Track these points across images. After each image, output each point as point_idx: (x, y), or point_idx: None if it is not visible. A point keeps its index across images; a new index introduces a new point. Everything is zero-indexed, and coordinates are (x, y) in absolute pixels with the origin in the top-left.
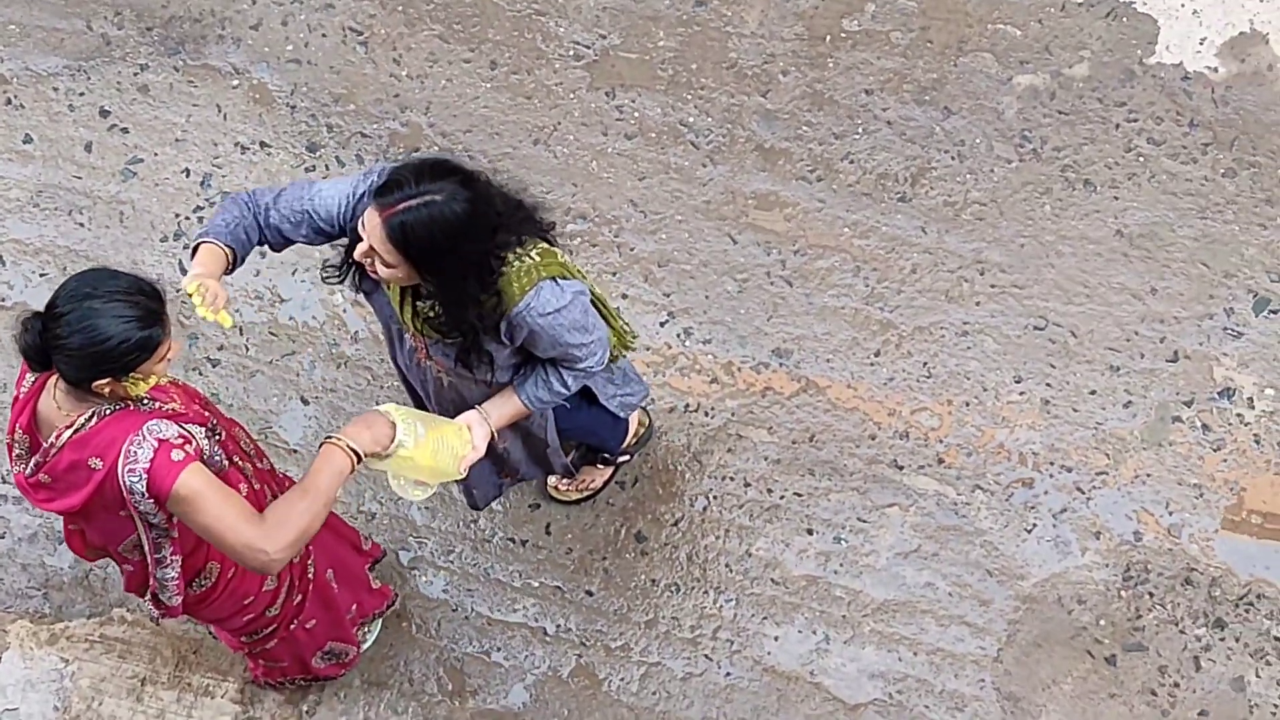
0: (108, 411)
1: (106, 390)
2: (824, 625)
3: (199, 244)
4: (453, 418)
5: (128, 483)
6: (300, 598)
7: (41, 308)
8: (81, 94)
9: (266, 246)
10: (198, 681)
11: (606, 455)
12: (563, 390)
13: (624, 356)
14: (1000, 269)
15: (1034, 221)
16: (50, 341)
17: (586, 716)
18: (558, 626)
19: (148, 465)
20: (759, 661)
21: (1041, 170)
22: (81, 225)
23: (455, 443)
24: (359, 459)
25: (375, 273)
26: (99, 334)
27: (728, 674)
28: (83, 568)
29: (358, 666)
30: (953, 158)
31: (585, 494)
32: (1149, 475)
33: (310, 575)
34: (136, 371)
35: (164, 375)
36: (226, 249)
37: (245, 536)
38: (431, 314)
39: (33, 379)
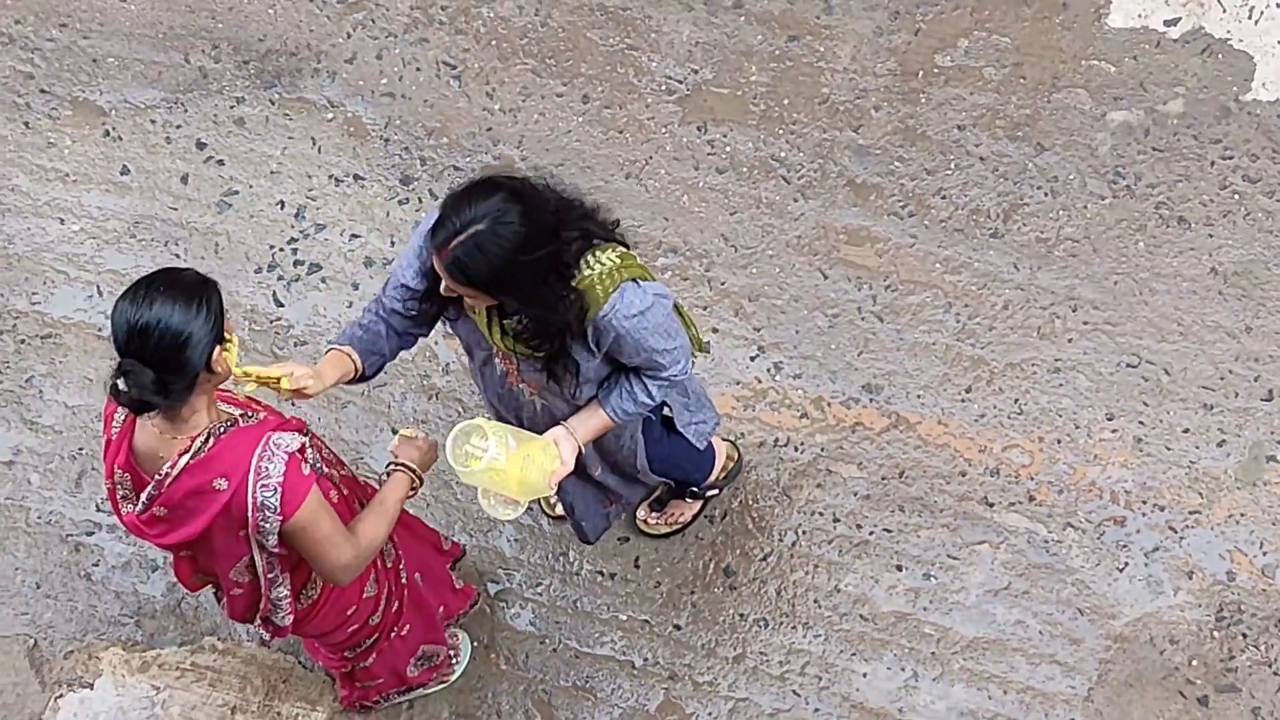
0: (222, 431)
1: (212, 382)
2: (913, 662)
3: (328, 351)
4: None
5: (260, 498)
6: (397, 604)
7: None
8: (178, 126)
9: (409, 338)
10: (287, 711)
11: (695, 489)
12: (647, 400)
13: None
14: (1093, 306)
15: (1127, 259)
16: (149, 374)
17: None
18: (645, 660)
19: (281, 480)
20: (847, 698)
21: (1135, 207)
22: (178, 256)
23: (542, 459)
24: (420, 480)
25: (463, 302)
26: (173, 324)
27: (816, 710)
28: (175, 596)
29: (447, 699)
30: (1045, 194)
31: (674, 528)
32: (1243, 515)
33: (403, 581)
34: (225, 332)
35: (234, 359)
36: (350, 354)
37: (344, 558)
38: (519, 328)
39: (122, 417)
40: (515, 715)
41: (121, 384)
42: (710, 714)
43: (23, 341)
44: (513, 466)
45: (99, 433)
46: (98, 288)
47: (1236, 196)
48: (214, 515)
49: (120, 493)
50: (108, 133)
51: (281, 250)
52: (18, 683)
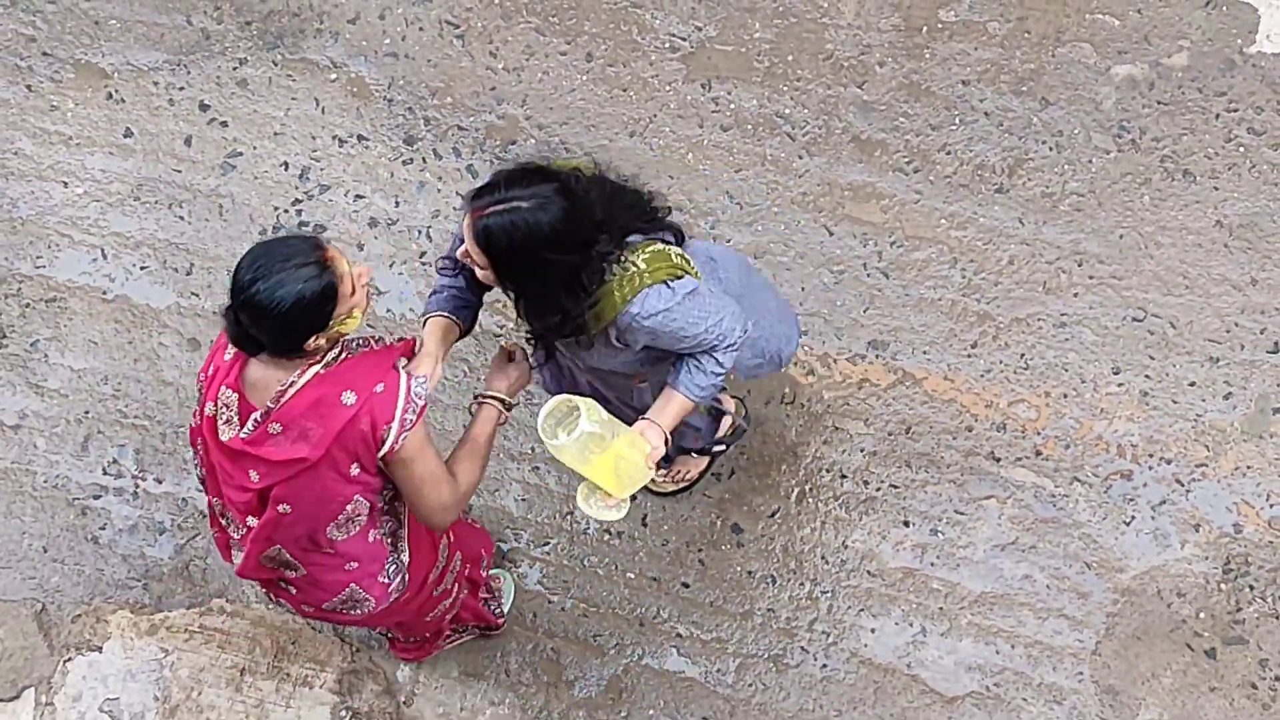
0: (355, 348)
1: (323, 342)
2: (921, 617)
3: (426, 320)
4: (605, 381)
5: (386, 415)
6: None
7: (142, 302)
8: (181, 88)
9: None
10: (296, 671)
11: (702, 445)
12: (717, 370)
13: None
14: (1098, 260)
15: (1133, 212)
16: (250, 328)
17: (682, 707)
18: (654, 617)
19: (404, 403)
20: (855, 653)
21: (1140, 161)
22: (181, 218)
23: (631, 453)
24: (508, 408)
25: (475, 265)
26: (282, 305)
27: (824, 665)
28: (182, 559)
29: (456, 658)
30: (1050, 148)
31: (681, 485)
32: (1249, 467)
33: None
34: (336, 316)
35: (364, 305)
36: (450, 318)
37: (444, 497)
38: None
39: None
40: (523, 673)
41: (231, 328)
42: (718, 670)
43: (27, 305)
44: (606, 464)
45: (105, 396)
46: (102, 251)
47: (1241, 149)
48: (337, 433)
49: (224, 416)
50: (110, 95)
51: (286, 211)
52: (26, 646)
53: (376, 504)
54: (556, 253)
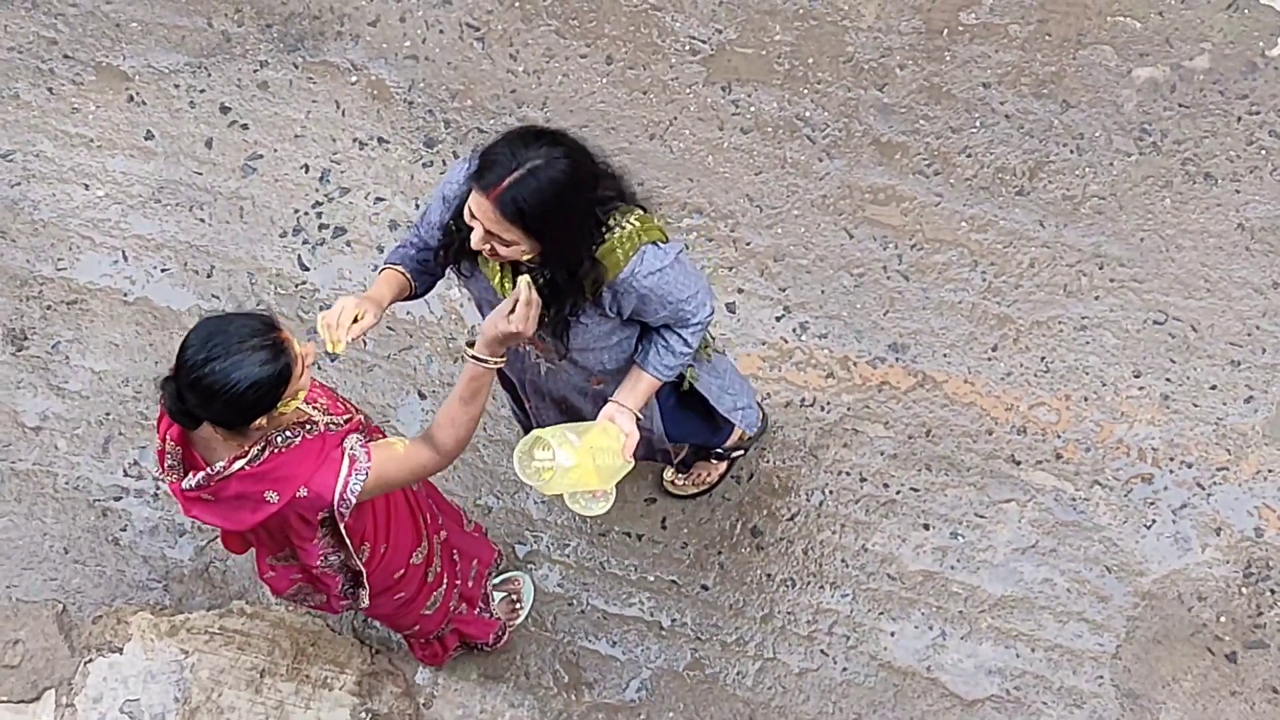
0: (280, 443)
1: (265, 421)
2: (941, 621)
3: (383, 269)
4: (558, 406)
5: (343, 501)
6: (439, 564)
7: (162, 304)
8: (202, 90)
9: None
10: (316, 673)
11: (719, 450)
12: (685, 350)
13: (724, 355)
14: (1119, 263)
15: (1154, 215)
16: (194, 407)
17: (702, 711)
18: (673, 620)
19: (361, 484)
20: (875, 657)
21: (1161, 163)
22: (202, 221)
23: (607, 441)
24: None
25: (494, 255)
26: (238, 387)
27: (844, 669)
28: (203, 560)
29: (475, 661)
30: (1071, 151)
31: (701, 488)
32: (1271, 471)
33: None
34: (284, 399)
35: (307, 387)
36: (405, 275)
37: (423, 459)
38: (538, 282)
39: None
40: (543, 676)
41: (170, 402)
42: (738, 674)
43: (49, 307)
44: (584, 460)
45: (126, 398)
46: (123, 253)
47: (1263, 152)
48: (260, 520)
49: (169, 461)
50: (131, 98)
51: (306, 214)
52: (47, 648)
53: (315, 551)
54: (577, 196)
